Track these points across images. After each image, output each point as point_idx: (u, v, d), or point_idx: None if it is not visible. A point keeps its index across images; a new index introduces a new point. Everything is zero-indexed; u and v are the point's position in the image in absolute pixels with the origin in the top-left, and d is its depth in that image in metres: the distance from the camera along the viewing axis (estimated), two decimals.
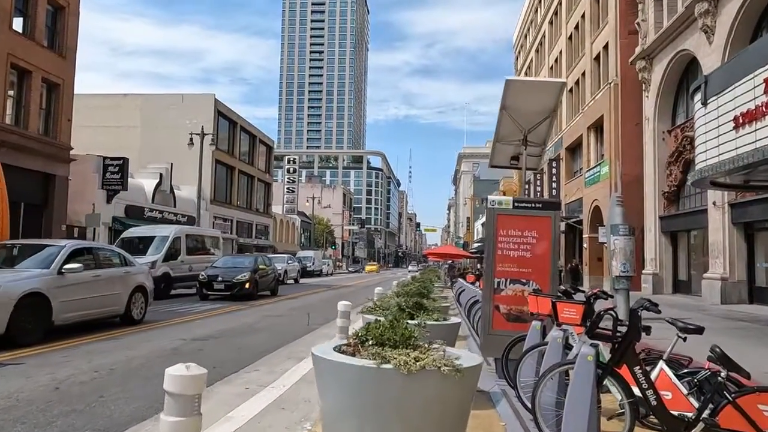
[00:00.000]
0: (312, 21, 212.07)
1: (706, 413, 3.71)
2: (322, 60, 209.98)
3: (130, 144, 37.95)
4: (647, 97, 24.58)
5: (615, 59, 27.47)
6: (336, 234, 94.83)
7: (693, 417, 3.77)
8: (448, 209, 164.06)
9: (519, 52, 57.94)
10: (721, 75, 11.02)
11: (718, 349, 3.75)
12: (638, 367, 3.83)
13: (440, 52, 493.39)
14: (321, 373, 3.33)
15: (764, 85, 9.13)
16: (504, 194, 48.99)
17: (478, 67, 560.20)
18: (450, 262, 47.36)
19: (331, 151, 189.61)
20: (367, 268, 79.37)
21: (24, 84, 22.42)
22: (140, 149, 38.40)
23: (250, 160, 51.17)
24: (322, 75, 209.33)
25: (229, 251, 31.25)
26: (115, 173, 28.84)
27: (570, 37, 36.39)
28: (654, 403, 3.78)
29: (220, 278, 18.77)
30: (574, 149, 35.28)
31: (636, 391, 3.79)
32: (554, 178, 36.45)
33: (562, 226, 32.24)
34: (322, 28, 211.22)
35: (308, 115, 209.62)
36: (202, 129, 33.90)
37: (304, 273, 40.60)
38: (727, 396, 3.66)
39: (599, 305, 4.36)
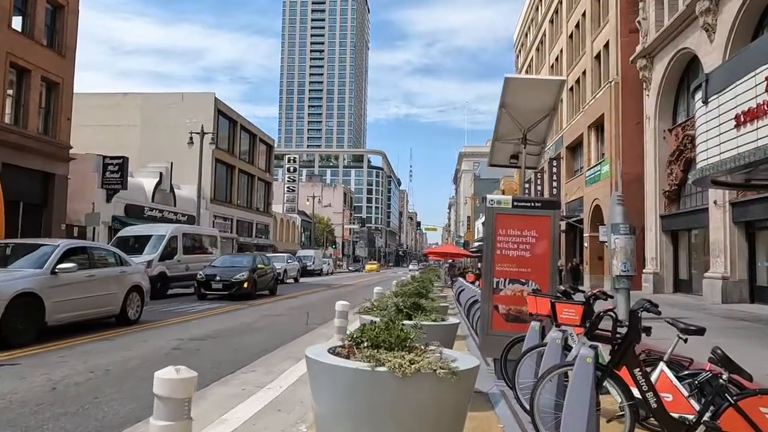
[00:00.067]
0: (312, 20, 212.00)
1: (707, 416, 3.65)
2: (322, 59, 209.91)
3: (129, 143, 37.92)
4: (648, 95, 24.52)
5: (616, 58, 27.41)
6: (336, 233, 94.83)
7: (694, 420, 3.71)
8: (449, 208, 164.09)
9: (520, 51, 57.87)
10: (722, 73, 10.96)
11: (719, 351, 3.69)
12: (638, 369, 3.77)
13: (441, 51, 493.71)
14: (315, 376, 3.27)
15: (765, 83, 9.07)
16: (504, 193, 48.96)
17: (479, 66, 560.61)
18: (450, 261, 47.35)
19: (331, 150, 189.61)
20: (368, 267, 79.28)
21: (23, 83, 22.38)
22: (140, 148, 38.38)
23: (251, 159, 51.14)
24: (322, 74, 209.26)
25: (228, 250, 31.24)
26: (114, 172, 28.79)
27: (570, 36, 36.33)
28: (654, 405, 3.72)
29: (218, 278, 18.71)
30: (575, 148, 35.23)
31: (636, 393, 3.73)
32: (555, 177, 36.40)
33: (563, 225, 32.20)
34: (323, 27, 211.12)
35: (309, 114, 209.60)
36: (202, 128, 33.85)
37: (304, 272, 40.58)
38: (729, 398, 3.60)
39: (599, 306, 4.30)
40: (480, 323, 6.58)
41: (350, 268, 78.67)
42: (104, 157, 28.78)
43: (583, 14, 33.01)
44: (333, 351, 3.41)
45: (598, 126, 29.89)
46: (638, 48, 24.56)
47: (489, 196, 6.52)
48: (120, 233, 21.66)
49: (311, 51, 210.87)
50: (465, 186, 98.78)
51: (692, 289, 21.60)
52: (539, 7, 46.88)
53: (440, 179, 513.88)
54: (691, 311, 15.09)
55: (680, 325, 4.09)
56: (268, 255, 28.10)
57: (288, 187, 71.02)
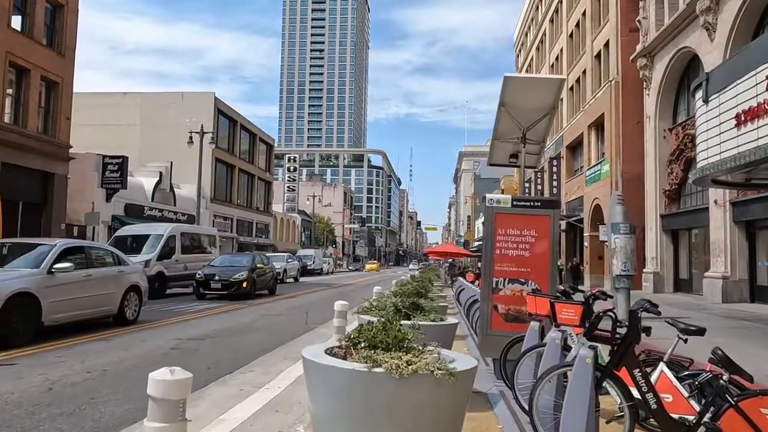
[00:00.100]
0: (313, 19, 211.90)
1: (707, 417, 3.62)
2: (322, 58, 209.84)
3: (129, 142, 37.88)
4: (648, 95, 24.48)
5: (616, 57, 27.37)
6: (337, 232, 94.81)
7: (694, 420, 3.68)
8: (449, 207, 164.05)
9: (520, 51, 57.83)
10: (722, 72, 10.93)
11: (720, 351, 3.66)
12: (638, 370, 3.74)
13: (441, 50, 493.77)
14: (311, 377, 3.24)
15: (766, 82, 9.04)
16: (504, 192, 48.94)
17: (479, 65, 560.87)
18: (450, 260, 47.33)
19: (331, 149, 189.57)
20: (368, 266, 79.30)
21: (23, 82, 22.36)
22: (140, 148, 38.35)
23: (251, 158, 51.11)
24: (322, 73, 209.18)
25: (228, 250, 31.19)
26: (114, 172, 28.75)
27: (571, 35, 36.28)
28: (654, 406, 3.69)
29: (217, 277, 18.67)
30: (575, 147, 35.20)
31: (635, 393, 3.70)
32: (555, 177, 36.39)
33: (563, 224, 32.17)
34: (323, 27, 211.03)
35: (309, 113, 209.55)
36: (202, 127, 33.80)
37: (304, 272, 40.56)
38: (729, 399, 3.57)
39: (598, 306, 4.27)
40: (479, 323, 6.55)
41: (350, 268, 78.64)
42: (104, 157, 28.74)
43: (584, 13, 32.97)
44: (330, 351, 3.38)
45: (598, 125, 29.85)
46: (638, 47, 24.52)
47: (488, 196, 6.49)
48: (118, 233, 21.57)
49: (311, 50, 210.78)
50: (465, 185, 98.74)
51: (692, 289, 21.57)
52: (539, 7, 46.83)
53: (440, 179, 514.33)
54: (691, 311, 15.07)
55: (680, 325, 4.06)
56: (267, 254, 28.07)
57: (288, 187, 70.98)
